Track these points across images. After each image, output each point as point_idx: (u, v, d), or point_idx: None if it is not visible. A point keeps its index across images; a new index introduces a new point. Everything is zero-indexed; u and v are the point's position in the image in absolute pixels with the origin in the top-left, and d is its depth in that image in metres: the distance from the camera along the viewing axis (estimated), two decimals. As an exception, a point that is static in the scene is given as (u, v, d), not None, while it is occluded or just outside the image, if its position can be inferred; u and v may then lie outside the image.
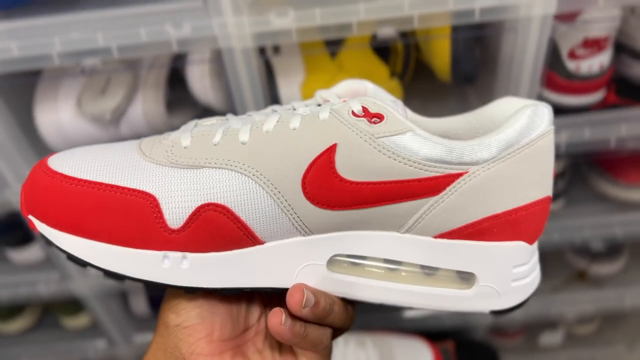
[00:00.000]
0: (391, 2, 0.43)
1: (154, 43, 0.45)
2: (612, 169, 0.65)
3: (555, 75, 0.54)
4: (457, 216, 0.31)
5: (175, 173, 0.31)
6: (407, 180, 0.30)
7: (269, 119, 0.32)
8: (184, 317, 0.33)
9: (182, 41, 0.45)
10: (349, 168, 0.30)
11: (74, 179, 0.31)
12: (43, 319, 0.83)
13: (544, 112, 0.32)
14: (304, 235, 0.32)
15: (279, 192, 0.30)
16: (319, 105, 0.34)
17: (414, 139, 0.30)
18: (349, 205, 0.31)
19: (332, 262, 0.33)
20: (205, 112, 0.60)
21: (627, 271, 0.77)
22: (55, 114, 0.54)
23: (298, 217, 0.31)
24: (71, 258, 0.31)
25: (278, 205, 0.31)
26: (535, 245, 0.34)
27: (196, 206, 0.30)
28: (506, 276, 0.33)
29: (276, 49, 0.53)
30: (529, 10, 0.44)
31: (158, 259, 0.31)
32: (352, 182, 0.30)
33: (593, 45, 0.52)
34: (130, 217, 0.31)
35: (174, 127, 0.57)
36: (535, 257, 0.35)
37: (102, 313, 0.70)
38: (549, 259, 0.80)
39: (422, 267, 0.33)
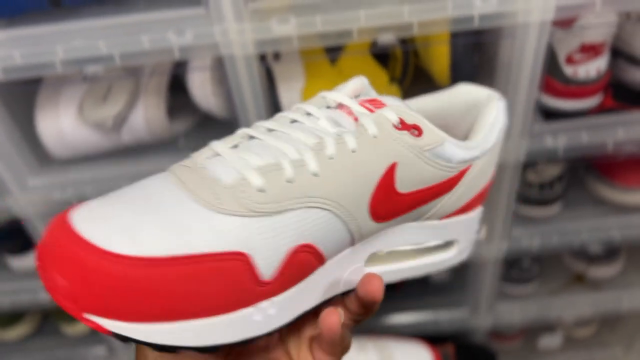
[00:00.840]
0: (391, 9, 0.44)
1: (156, 50, 0.45)
2: (609, 172, 0.66)
3: (553, 80, 0.55)
4: (459, 202, 0.36)
5: (261, 223, 0.28)
6: (441, 182, 0.34)
7: (325, 142, 0.30)
8: None
9: (184, 48, 0.45)
10: (404, 183, 0.32)
11: (141, 259, 0.25)
12: (43, 325, 0.83)
13: (503, 106, 0.37)
14: (352, 245, 0.33)
15: (353, 216, 0.31)
16: (328, 107, 0.33)
17: (451, 148, 0.33)
18: (398, 214, 0.33)
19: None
20: (206, 118, 0.60)
21: (624, 274, 0.78)
22: (57, 121, 0.54)
23: (361, 233, 0.32)
24: (163, 348, 0.27)
25: (350, 229, 0.31)
26: None
27: (286, 251, 0.29)
28: (473, 233, 0.40)
29: (276, 56, 0.53)
30: (527, 17, 0.45)
31: (250, 315, 0.29)
32: (404, 194, 0.32)
33: (590, 50, 0.53)
34: (223, 283, 0.27)
35: (175, 134, 0.58)
36: None
37: (103, 319, 0.70)
38: (547, 262, 0.80)
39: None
